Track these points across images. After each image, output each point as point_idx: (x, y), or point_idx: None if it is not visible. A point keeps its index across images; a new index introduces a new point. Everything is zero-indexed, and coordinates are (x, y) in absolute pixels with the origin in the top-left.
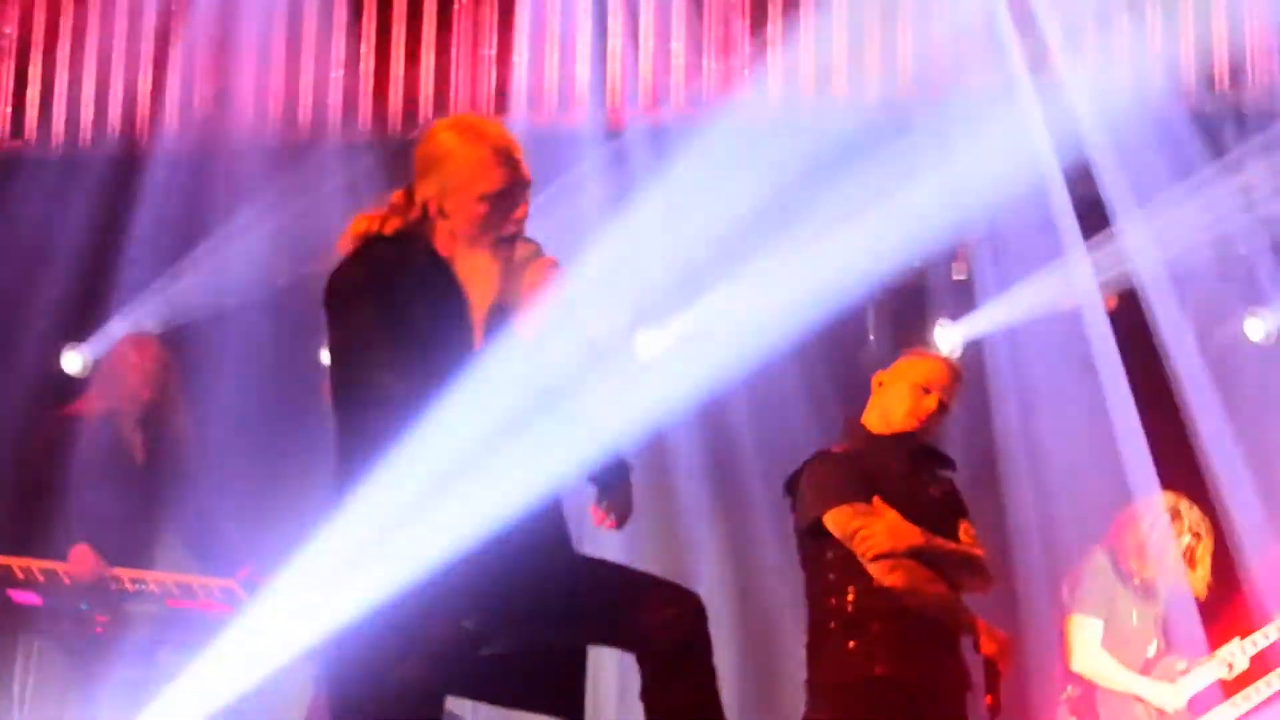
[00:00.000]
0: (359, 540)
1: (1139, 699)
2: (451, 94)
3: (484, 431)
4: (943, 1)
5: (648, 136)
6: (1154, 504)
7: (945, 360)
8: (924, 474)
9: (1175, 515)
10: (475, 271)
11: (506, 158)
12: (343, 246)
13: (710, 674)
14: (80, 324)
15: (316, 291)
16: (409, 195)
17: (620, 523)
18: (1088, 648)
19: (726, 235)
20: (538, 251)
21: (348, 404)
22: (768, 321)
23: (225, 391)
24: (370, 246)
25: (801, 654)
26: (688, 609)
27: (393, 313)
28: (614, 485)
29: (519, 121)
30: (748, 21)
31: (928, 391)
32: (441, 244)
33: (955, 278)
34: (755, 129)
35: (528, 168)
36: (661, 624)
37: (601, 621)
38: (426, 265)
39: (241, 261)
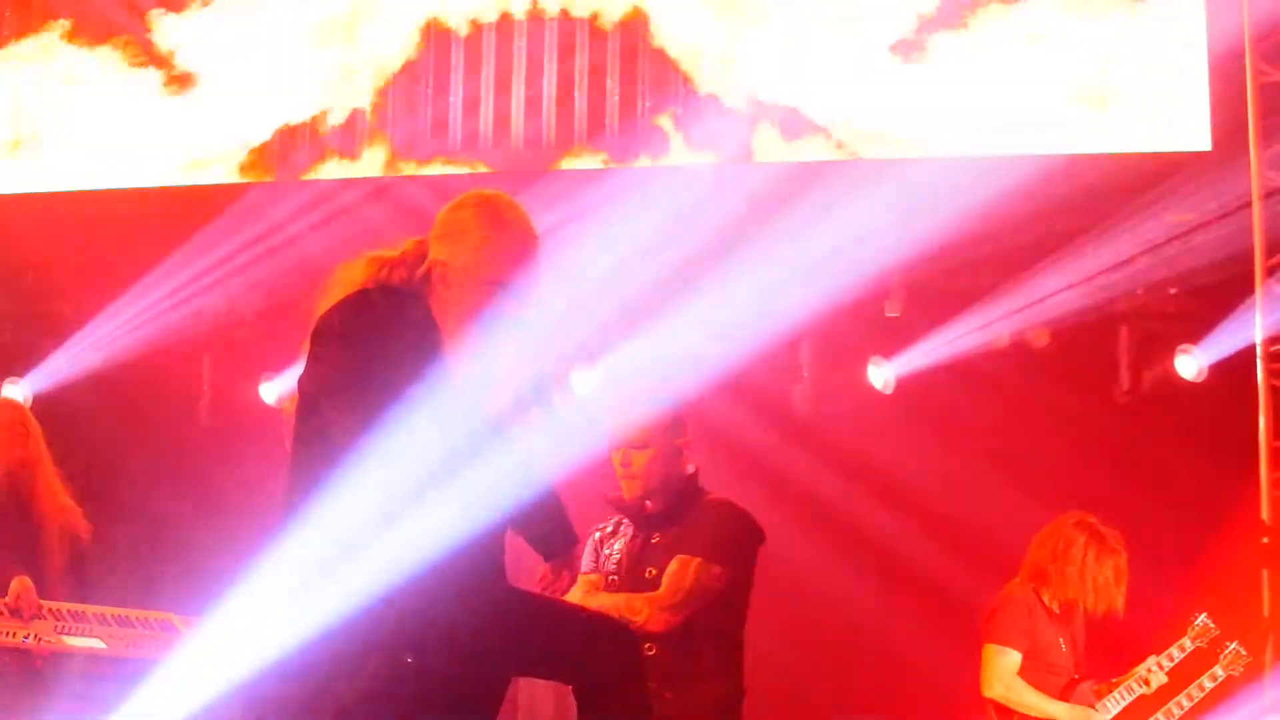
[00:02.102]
0: (298, 574)
1: None
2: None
3: (422, 466)
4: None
5: (582, 180)
6: (1068, 525)
7: (621, 413)
8: (646, 527)
9: (1095, 533)
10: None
11: (521, 253)
12: (346, 279)
13: (646, 707)
14: None
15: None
16: (421, 250)
17: (565, 589)
18: (1000, 675)
19: (660, 275)
20: None
21: (308, 443)
22: (701, 357)
23: (160, 431)
24: (371, 294)
25: None
26: (624, 642)
27: (375, 369)
28: (561, 554)
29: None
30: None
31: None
32: (437, 308)
33: (888, 314)
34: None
35: (540, 265)
36: (598, 656)
37: (538, 655)
38: (421, 330)
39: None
